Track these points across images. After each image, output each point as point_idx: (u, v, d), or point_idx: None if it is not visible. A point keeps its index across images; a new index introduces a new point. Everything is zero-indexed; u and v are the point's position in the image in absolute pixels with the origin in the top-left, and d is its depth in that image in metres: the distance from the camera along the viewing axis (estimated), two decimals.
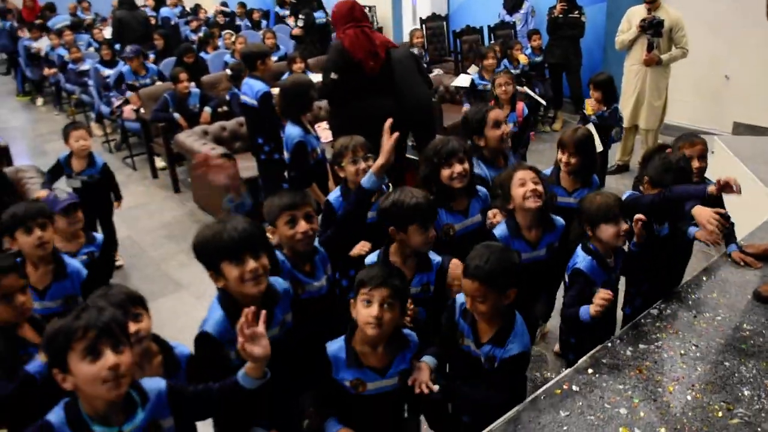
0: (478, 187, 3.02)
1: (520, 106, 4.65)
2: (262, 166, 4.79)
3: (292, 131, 4.05)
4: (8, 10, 11.72)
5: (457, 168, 2.81)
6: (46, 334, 1.63)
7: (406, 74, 5.08)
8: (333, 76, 4.46)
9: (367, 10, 10.04)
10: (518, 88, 6.85)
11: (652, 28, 5.64)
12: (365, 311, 2.01)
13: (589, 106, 4.98)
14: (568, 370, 2.31)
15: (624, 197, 3.01)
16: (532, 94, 7.00)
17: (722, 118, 6.94)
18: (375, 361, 2.11)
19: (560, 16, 7.24)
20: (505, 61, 7.24)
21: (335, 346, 2.14)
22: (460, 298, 2.28)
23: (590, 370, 2.28)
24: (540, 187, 2.67)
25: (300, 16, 8.89)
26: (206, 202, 5.70)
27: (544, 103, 7.05)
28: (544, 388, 2.22)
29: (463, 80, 7.03)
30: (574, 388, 2.19)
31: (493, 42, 7.92)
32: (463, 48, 8.25)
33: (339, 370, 2.11)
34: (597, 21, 7.57)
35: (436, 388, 2.06)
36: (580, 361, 2.35)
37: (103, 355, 1.56)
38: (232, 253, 1.95)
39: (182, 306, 4.20)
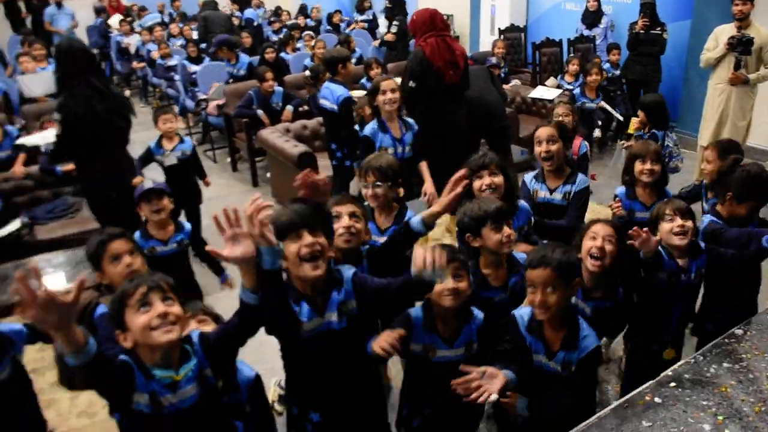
0: (521, 203, 3.07)
1: (578, 142, 4.33)
2: (334, 170, 4.95)
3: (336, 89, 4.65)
4: (102, 9, 12.32)
5: (486, 180, 2.89)
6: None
7: (480, 84, 5.18)
8: (411, 84, 4.57)
9: (444, 18, 10.24)
10: (595, 102, 6.89)
11: (741, 45, 5.51)
12: (440, 285, 2.15)
13: (632, 124, 5.00)
14: (650, 382, 2.34)
15: (703, 225, 3.03)
16: (608, 108, 6.98)
17: None
18: (444, 331, 2.32)
19: (642, 32, 7.16)
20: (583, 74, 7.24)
21: (415, 311, 2.34)
22: (520, 311, 2.36)
23: (672, 384, 2.30)
24: (610, 247, 2.54)
25: (394, 22, 9.05)
26: (284, 198, 5.88)
27: (620, 118, 7.01)
28: (626, 398, 2.25)
29: (540, 92, 7.06)
30: (657, 400, 2.22)
31: (572, 55, 7.90)
32: (542, 60, 8.25)
33: (414, 335, 2.30)
34: (680, 38, 7.44)
35: (493, 398, 2.08)
36: (662, 374, 2.37)
37: (153, 305, 1.79)
38: (291, 228, 2.04)
39: None
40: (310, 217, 2.07)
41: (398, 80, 4.48)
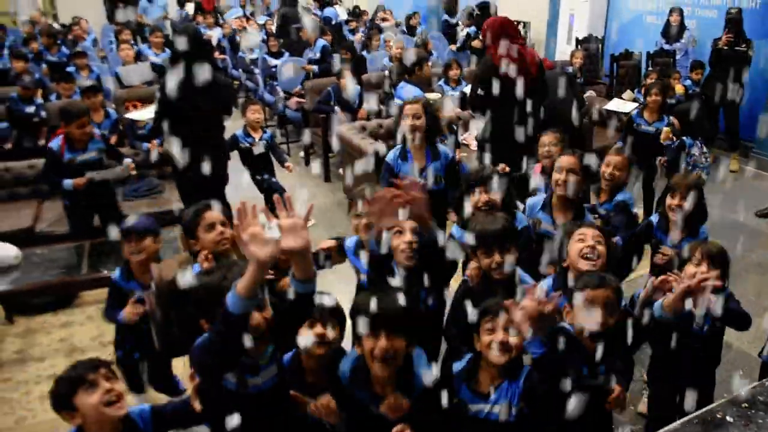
0: (518, 216, 3.04)
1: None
2: None
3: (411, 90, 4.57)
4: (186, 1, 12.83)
5: (483, 197, 2.88)
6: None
7: (557, 92, 5.17)
8: (479, 92, 4.61)
9: (521, 26, 10.24)
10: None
11: None
12: (489, 338, 2.12)
13: (664, 133, 5.10)
14: (722, 400, 2.36)
15: None
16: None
17: None
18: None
19: (725, 47, 7.01)
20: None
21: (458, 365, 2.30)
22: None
23: (745, 405, 2.31)
24: (601, 247, 2.47)
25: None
26: (355, 194, 6.03)
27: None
28: (697, 413, 2.28)
29: (616, 104, 7.01)
30: (728, 418, 2.24)
31: (651, 69, 7.80)
32: (620, 72, 8.17)
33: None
34: (765, 56, 7.26)
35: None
36: (735, 393, 2.38)
37: (99, 384, 1.95)
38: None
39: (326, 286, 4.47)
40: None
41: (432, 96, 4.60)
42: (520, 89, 4.49)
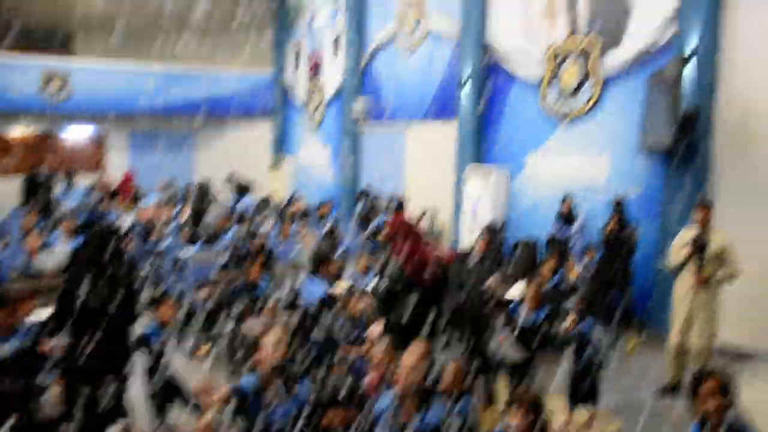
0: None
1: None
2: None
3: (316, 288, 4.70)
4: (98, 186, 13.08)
5: None
6: None
7: (461, 286, 5.38)
8: (385, 288, 4.81)
9: (428, 214, 10.77)
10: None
11: (699, 248, 5.81)
12: None
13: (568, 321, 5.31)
14: None
15: None
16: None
17: None
18: None
19: (613, 233, 7.53)
20: (560, 273, 7.52)
21: None
22: None
23: None
24: None
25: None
26: None
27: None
28: None
29: (516, 290, 7.27)
30: None
31: (548, 254, 8.24)
32: (519, 260, 8.56)
33: None
34: (650, 238, 7.84)
35: None
36: None
37: None
38: None
39: None
40: None
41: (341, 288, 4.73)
42: (424, 285, 4.69)
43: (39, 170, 13.40)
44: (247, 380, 3.52)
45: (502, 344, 5.11)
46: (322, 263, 5.05)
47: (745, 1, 7.07)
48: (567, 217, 8.62)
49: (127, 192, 12.95)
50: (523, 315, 5.29)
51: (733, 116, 7.15)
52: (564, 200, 8.66)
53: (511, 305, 5.53)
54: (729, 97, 7.18)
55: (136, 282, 4.65)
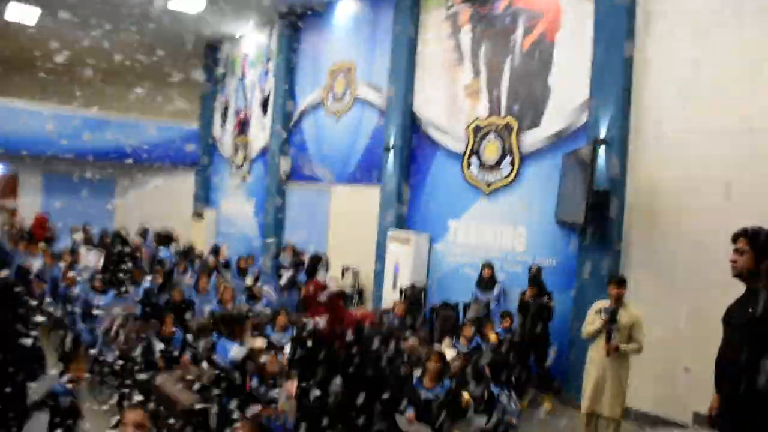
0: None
1: None
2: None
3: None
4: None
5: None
6: None
7: (379, 351, 5.40)
8: (299, 352, 4.82)
9: (350, 271, 10.83)
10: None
11: (608, 315, 6.05)
12: None
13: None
14: None
15: None
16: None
17: (682, 408, 7.04)
18: None
19: (530, 300, 7.78)
20: (478, 337, 7.68)
21: None
22: None
23: None
24: None
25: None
26: None
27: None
28: None
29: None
30: None
31: (467, 319, 8.42)
32: (439, 322, 8.70)
33: None
34: (566, 305, 8.13)
35: None
36: None
37: None
38: None
39: None
40: None
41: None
42: (339, 351, 4.70)
43: None
44: None
45: (411, 424, 5.20)
46: (235, 328, 4.96)
47: (650, 89, 7.66)
48: (487, 283, 8.84)
49: (40, 234, 12.47)
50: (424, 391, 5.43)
51: (642, 195, 7.64)
52: (484, 266, 8.90)
53: (414, 380, 5.61)
54: (638, 177, 7.68)
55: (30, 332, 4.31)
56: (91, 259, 10.54)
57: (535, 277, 7.89)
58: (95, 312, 8.00)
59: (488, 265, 8.92)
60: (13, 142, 14.85)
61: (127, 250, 9.61)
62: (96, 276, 8.66)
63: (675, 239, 7.34)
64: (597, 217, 7.53)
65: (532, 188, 9.09)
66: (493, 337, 7.69)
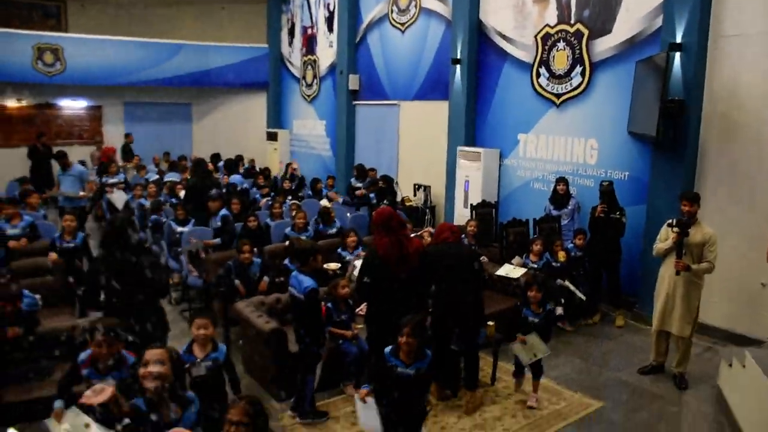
0: (428, 353, 4.26)
1: None
2: (299, 352, 5.16)
3: (304, 279, 4.85)
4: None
5: (404, 339, 4.12)
6: None
7: (453, 272, 5.49)
8: (365, 279, 4.95)
9: (422, 189, 10.91)
10: (559, 281, 7.30)
11: (679, 232, 5.93)
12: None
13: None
14: None
15: None
16: (571, 287, 7.37)
17: (758, 324, 7.03)
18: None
19: (601, 216, 7.67)
20: (547, 254, 7.70)
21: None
22: None
23: None
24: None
25: (384, 202, 9.83)
26: (254, 370, 6.05)
27: (583, 297, 7.38)
28: None
29: (506, 270, 7.45)
30: None
31: (537, 235, 8.41)
32: (509, 239, 8.72)
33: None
34: (638, 221, 7.99)
35: None
36: None
37: None
38: None
39: None
40: None
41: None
42: (403, 278, 4.85)
43: (38, 143, 13.53)
44: None
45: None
46: (309, 259, 5.09)
47: None
48: (561, 198, 8.71)
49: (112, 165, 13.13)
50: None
51: (720, 104, 7.23)
52: (558, 181, 8.73)
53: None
54: (716, 84, 7.26)
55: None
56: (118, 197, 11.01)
57: (607, 192, 7.73)
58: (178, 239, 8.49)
59: (562, 180, 8.74)
60: (95, 75, 15.37)
61: (206, 177, 9.92)
62: (178, 205, 9.10)
63: (755, 152, 6.99)
64: (671, 129, 7.24)
65: (603, 98, 8.75)
66: (562, 255, 7.68)
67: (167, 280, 5.38)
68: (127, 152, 15.26)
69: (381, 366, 4.28)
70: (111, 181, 11.93)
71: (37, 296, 5.72)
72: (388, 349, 4.29)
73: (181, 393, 3.41)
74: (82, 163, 13.22)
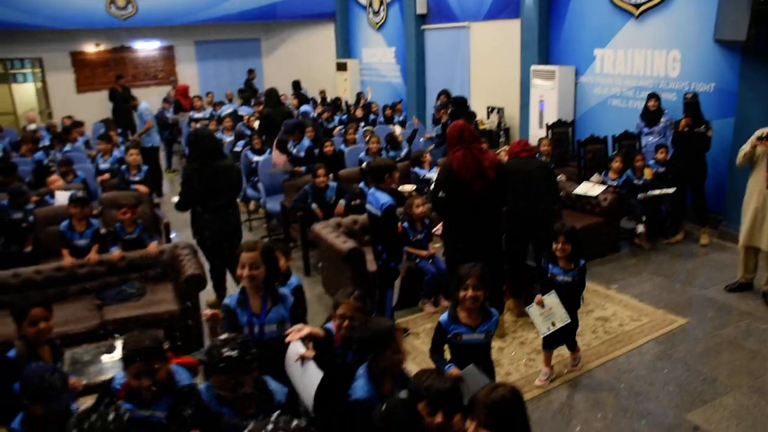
0: (493, 312, 3.58)
1: None
2: (378, 270, 5.21)
3: (381, 196, 4.79)
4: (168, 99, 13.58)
5: (470, 293, 3.41)
6: None
7: (528, 186, 5.43)
8: (441, 194, 4.91)
9: (495, 111, 10.67)
10: (640, 196, 7.08)
11: None
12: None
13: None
14: None
15: None
16: (658, 192, 7.15)
17: None
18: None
19: (686, 130, 7.34)
20: (629, 171, 7.46)
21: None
22: None
23: None
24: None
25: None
26: (333, 288, 6.20)
27: (671, 190, 7.13)
28: None
29: (584, 188, 7.29)
30: None
31: (616, 152, 8.14)
32: (587, 156, 8.49)
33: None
34: (725, 135, 7.60)
35: None
36: None
37: None
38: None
39: None
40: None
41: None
42: (480, 192, 4.79)
43: (117, 85, 13.96)
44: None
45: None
46: (384, 176, 5.07)
47: None
48: (653, 114, 8.31)
49: (186, 103, 13.45)
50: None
51: None
52: (650, 97, 8.27)
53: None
54: None
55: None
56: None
57: (691, 105, 7.35)
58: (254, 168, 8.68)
59: (654, 96, 8.24)
60: (165, 16, 15.54)
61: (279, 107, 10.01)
62: (254, 136, 9.24)
63: None
64: (763, 34, 6.75)
65: (687, 5, 8.19)
66: (648, 172, 7.42)
67: (240, 177, 6.20)
68: (248, 88, 15.63)
69: None
70: (197, 116, 12.31)
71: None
72: (444, 316, 3.60)
73: (275, 288, 3.47)
74: (165, 101, 13.63)
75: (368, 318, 3.26)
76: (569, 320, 4.45)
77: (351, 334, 3.16)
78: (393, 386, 2.85)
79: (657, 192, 7.24)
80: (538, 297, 4.47)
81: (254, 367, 2.67)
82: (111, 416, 2.31)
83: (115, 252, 5.75)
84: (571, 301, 4.53)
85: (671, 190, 7.23)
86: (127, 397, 2.79)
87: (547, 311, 4.44)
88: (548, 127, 9.50)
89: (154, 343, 2.77)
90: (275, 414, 2.05)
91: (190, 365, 3.17)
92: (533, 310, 4.50)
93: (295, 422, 1.96)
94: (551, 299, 4.43)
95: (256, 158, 8.77)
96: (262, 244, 3.48)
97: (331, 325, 3.37)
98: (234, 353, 2.59)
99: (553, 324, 4.44)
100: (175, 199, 5.93)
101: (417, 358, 5.09)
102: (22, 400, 2.79)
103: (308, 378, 3.04)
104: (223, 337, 2.74)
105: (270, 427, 1.92)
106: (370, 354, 2.85)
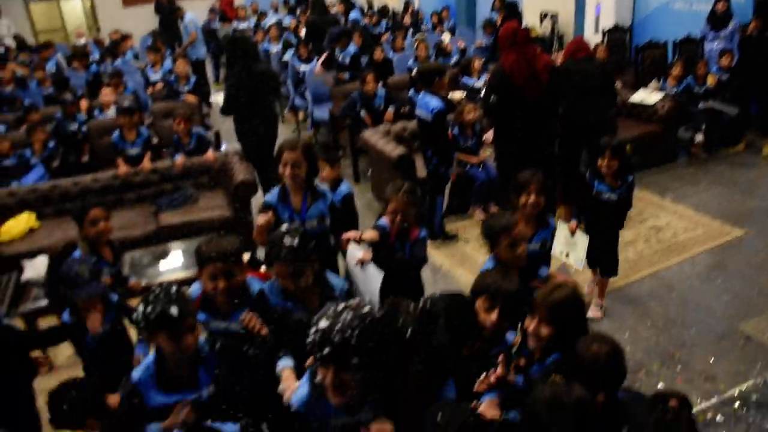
0: (551, 220, 3.43)
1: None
2: (428, 175, 5.18)
3: (431, 100, 4.70)
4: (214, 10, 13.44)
5: (532, 198, 3.27)
6: None
7: (583, 89, 5.24)
8: (493, 99, 4.76)
9: (548, 17, 10.23)
10: (701, 105, 6.79)
11: None
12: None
13: None
14: (713, 400, 2.44)
15: None
16: (718, 106, 6.85)
17: None
18: None
19: (755, 33, 6.91)
20: (690, 78, 7.12)
21: None
22: None
23: (737, 404, 2.40)
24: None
25: None
26: (383, 195, 6.20)
27: (734, 111, 6.84)
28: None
29: (641, 96, 7.01)
30: (718, 419, 2.33)
31: (677, 58, 7.75)
32: (645, 63, 8.12)
33: None
34: None
35: None
36: (726, 394, 2.47)
37: None
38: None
39: None
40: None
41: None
42: (532, 96, 4.64)
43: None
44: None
45: None
46: (434, 79, 4.95)
47: None
48: (721, 18, 7.83)
49: (231, 13, 13.23)
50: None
51: None
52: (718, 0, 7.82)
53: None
54: None
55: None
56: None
57: (763, 7, 6.88)
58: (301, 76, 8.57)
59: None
60: None
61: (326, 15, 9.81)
62: (300, 45, 9.08)
63: None
64: None
65: None
66: (711, 79, 7.07)
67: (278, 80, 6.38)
68: None
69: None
70: (241, 26, 12.16)
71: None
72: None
73: (314, 185, 3.50)
74: (211, 12, 13.48)
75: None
76: (582, 266, 4.15)
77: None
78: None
79: (719, 107, 6.91)
80: (573, 224, 4.08)
81: (314, 258, 2.69)
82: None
83: (179, 159, 5.85)
84: (615, 220, 4.25)
85: (735, 111, 6.86)
86: (202, 305, 2.69)
87: (572, 242, 4.08)
88: (604, 33, 9.08)
89: (233, 246, 2.69)
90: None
91: (265, 278, 3.07)
92: (560, 229, 4.01)
93: (366, 308, 1.96)
94: (582, 239, 4.04)
95: (303, 67, 8.64)
96: (304, 142, 3.46)
97: (385, 221, 3.37)
98: (295, 242, 2.61)
99: (567, 255, 4.11)
100: (221, 102, 5.98)
101: (465, 264, 5.11)
102: (62, 290, 2.94)
103: (370, 279, 3.07)
104: (284, 227, 2.77)
105: (340, 307, 1.95)
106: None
